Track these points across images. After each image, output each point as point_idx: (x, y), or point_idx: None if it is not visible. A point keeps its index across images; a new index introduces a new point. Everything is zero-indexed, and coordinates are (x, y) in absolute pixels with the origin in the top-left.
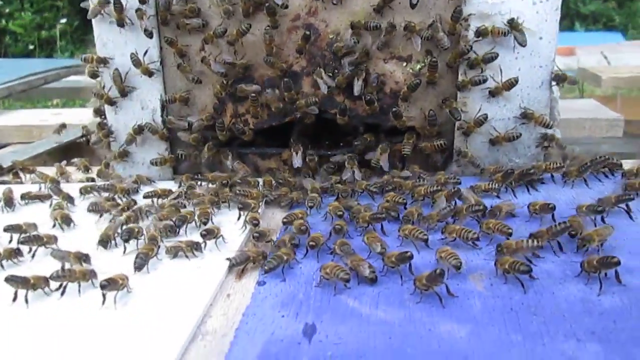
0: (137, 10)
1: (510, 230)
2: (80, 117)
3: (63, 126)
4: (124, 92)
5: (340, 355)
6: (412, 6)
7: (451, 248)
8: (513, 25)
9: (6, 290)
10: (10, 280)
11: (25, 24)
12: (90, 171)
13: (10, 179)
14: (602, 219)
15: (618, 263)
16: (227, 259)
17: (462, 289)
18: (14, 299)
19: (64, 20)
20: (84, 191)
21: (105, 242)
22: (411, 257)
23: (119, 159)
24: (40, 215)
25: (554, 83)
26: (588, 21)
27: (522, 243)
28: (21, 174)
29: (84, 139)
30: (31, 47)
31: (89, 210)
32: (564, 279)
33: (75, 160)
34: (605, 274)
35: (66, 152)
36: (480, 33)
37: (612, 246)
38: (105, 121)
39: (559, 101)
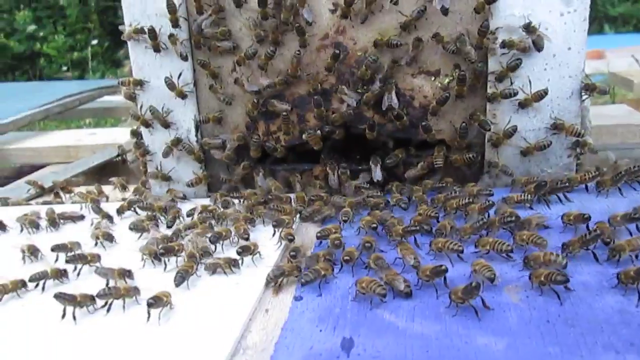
0: (170, 36)
1: (545, 242)
2: (114, 136)
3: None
4: (167, 124)
5: None
6: (445, 12)
7: (485, 260)
8: (530, 29)
9: (55, 308)
10: (59, 297)
11: (59, 46)
12: (127, 189)
13: (51, 199)
14: (637, 228)
15: None
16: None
17: (498, 301)
18: (63, 316)
19: (95, 42)
20: (123, 210)
21: (155, 256)
22: (446, 270)
23: (160, 179)
24: (82, 234)
25: (584, 93)
26: (617, 23)
27: (549, 256)
28: (62, 194)
29: (119, 158)
30: (64, 68)
31: (130, 229)
32: (601, 290)
33: (112, 179)
34: None
35: (102, 171)
36: (506, 45)
37: None
38: (141, 141)
39: (590, 110)
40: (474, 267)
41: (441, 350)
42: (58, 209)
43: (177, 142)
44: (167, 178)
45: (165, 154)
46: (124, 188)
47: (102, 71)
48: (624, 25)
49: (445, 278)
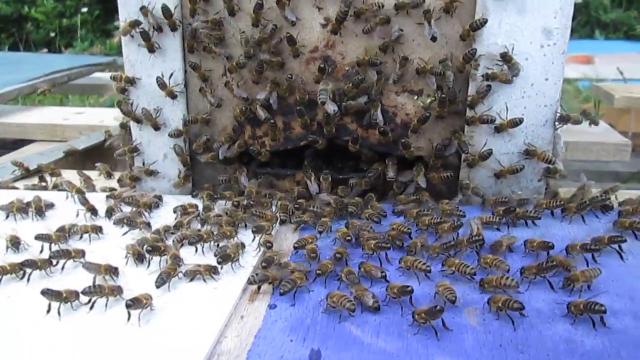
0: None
1: (506, 267)
2: (101, 116)
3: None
4: (157, 127)
5: None
6: (433, 40)
7: (449, 282)
8: (506, 58)
9: (40, 301)
10: (46, 293)
11: (47, 11)
12: (112, 177)
13: (36, 183)
14: (594, 258)
15: (604, 311)
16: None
17: (457, 322)
18: (48, 311)
19: (85, 9)
20: (110, 210)
21: (138, 256)
22: (412, 291)
23: (147, 175)
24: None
25: (557, 123)
26: (608, 29)
27: (502, 280)
28: (47, 178)
29: (106, 143)
30: (52, 34)
31: (116, 224)
32: (552, 318)
33: (98, 164)
34: (590, 317)
35: (88, 154)
36: (489, 77)
37: (600, 287)
38: (129, 136)
39: (562, 137)
40: (438, 288)
41: None
42: (48, 195)
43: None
44: (151, 173)
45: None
46: (109, 175)
47: (91, 40)
48: (614, 32)
49: (411, 297)
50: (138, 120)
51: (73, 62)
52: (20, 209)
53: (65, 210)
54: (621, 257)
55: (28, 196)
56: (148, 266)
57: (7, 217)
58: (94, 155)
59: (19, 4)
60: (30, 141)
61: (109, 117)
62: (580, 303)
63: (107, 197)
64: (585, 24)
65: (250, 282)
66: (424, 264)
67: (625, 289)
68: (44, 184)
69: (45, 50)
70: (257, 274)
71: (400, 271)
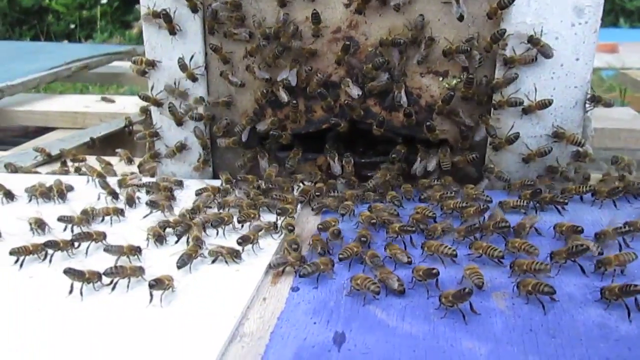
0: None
1: (536, 251)
2: (122, 104)
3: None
4: (180, 123)
5: None
6: (460, 19)
7: (477, 265)
8: (534, 41)
9: (63, 281)
10: (69, 272)
11: (68, 3)
12: (132, 162)
13: (58, 168)
14: (626, 243)
15: (639, 290)
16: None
17: (485, 306)
18: (70, 291)
19: (104, 1)
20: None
21: (158, 238)
22: (438, 273)
23: (173, 155)
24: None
25: (588, 104)
26: (633, 17)
27: (534, 265)
28: (68, 163)
29: (126, 129)
30: (72, 26)
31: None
32: (585, 303)
33: (118, 150)
34: (625, 302)
35: (108, 141)
36: (507, 61)
37: (635, 272)
38: (150, 121)
39: (592, 120)
40: (465, 272)
41: (427, 351)
42: (71, 180)
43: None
44: (181, 148)
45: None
46: (129, 161)
47: (110, 31)
48: (639, 20)
49: (437, 280)
50: (159, 104)
51: (93, 51)
52: (42, 192)
53: (86, 194)
54: None
55: (50, 180)
56: (175, 242)
57: (30, 200)
58: (114, 142)
59: None
60: (51, 129)
61: (130, 105)
62: (615, 287)
63: (118, 182)
64: (610, 11)
65: (271, 267)
66: (449, 248)
67: None
68: (65, 169)
69: (66, 41)
70: (277, 259)
71: (424, 256)
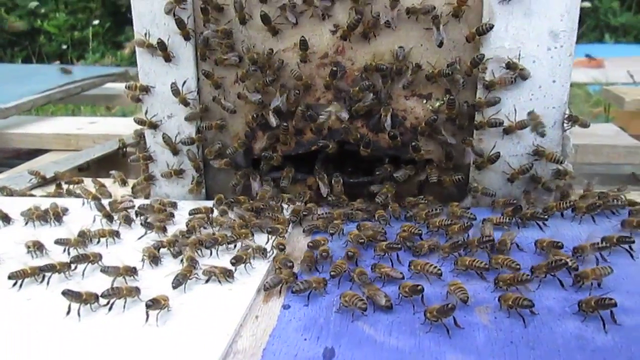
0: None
1: (518, 266)
2: (114, 126)
3: None
4: (176, 151)
5: None
6: (440, 46)
7: (460, 282)
8: (512, 66)
9: (60, 303)
10: (66, 294)
11: (60, 24)
12: (126, 184)
13: (53, 191)
14: (602, 257)
15: (614, 305)
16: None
17: (468, 321)
18: (68, 312)
19: (96, 22)
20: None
21: (153, 259)
22: (423, 290)
23: (170, 176)
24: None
25: (566, 124)
26: (618, 33)
27: (518, 276)
28: (63, 186)
29: (120, 151)
30: (64, 47)
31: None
32: (563, 316)
33: (112, 172)
34: (600, 315)
35: (102, 163)
36: (487, 86)
37: (611, 285)
38: (144, 144)
39: (571, 138)
40: (450, 288)
41: None
42: (65, 202)
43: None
44: (179, 172)
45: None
46: (123, 183)
47: (102, 52)
48: (624, 36)
49: (422, 296)
50: (155, 127)
51: (85, 73)
52: (39, 215)
53: (81, 216)
54: (631, 256)
55: (45, 203)
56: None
57: (27, 223)
58: (107, 163)
59: (31, 17)
60: (45, 151)
61: (122, 126)
62: (591, 300)
63: (109, 203)
64: (595, 27)
65: (266, 288)
66: (434, 267)
67: (636, 287)
68: (60, 191)
69: (58, 62)
70: (271, 279)
71: (411, 274)
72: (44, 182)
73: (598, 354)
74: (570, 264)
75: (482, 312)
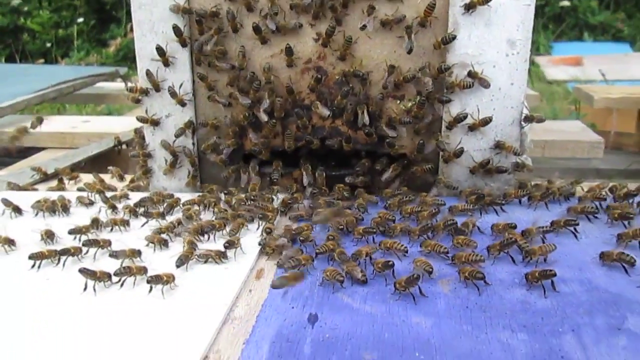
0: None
1: (475, 244)
2: (107, 124)
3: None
4: (175, 155)
5: (334, 337)
6: (409, 53)
7: (426, 258)
8: (473, 74)
9: (76, 282)
10: (83, 272)
11: (43, 22)
12: (124, 179)
13: (55, 186)
14: (544, 237)
15: (554, 275)
16: (277, 263)
17: (432, 290)
18: (85, 289)
19: (80, 20)
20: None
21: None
22: (393, 265)
23: (169, 171)
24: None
25: (523, 122)
26: (597, 32)
27: (471, 256)
28: (65, 181)
29: (116, 148)
30: (48, 45)
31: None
32: (512, 285)
33: (110, 168)
34: (542, 284)
35: (97, 160)
36: (447, 87)
37: (554, 259)
38: (143, 141)
39: (528, 135)
40: (416, 263)
41: (383, 326)
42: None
43: (189, 124)
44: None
45: (178, 135)
46: (121, 178)
47: (87, 50)
48: (602, 34)
49: (393, 271)
50: (156, 124)
51: (77, 72)
52: (48, 207)
53: (85, 208)
54: (575, 237)
55: (52, 196)
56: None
57: (37, 214)
58: (103, 160)
59: (14, 15)
60: (39, 149)
61: (114, 125)
62: (535, 272)
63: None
64: (574, 26)
65: (288, 268)
66: (401, 245)
67: (576, 262)
68: (62, 186)
69: (42, 60)
70: (289, 262)
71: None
72: (45, 177)
73: (537, 314)
74: (519, 242)
75: (444, 283)
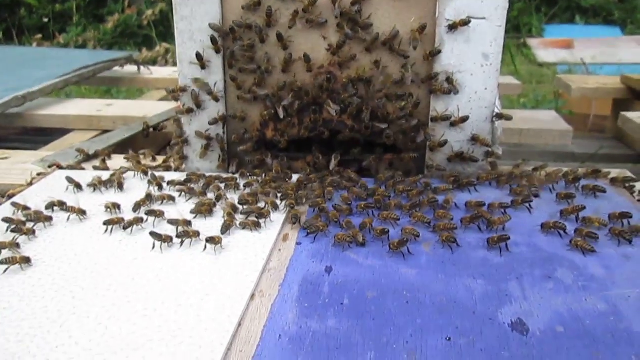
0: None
1: (451, 216)
2: (129, 107)
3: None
4: (210, 138)
5: (345, 281)
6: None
7: (413, 227)
8: (449, 81)
9: (145, 244)
10: (153, 234)
11: None
12: (156, 160)
13: (99, 165)
14: (505, 211)
15: (508, 239)
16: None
17: (417, 250)
18: (153, 247)
19: None
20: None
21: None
22: (388, 232)
23: (204, 155)
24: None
25: (494, 119)
26: (589, 14)
27: (447, 225)
28: (107, 161)
29: (144, 132)
30: (45, 20)
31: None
32: (477, 248)
33: (144, 150)
34: (499, 246)
35: (125, 143)
36: (431, 91)
37: (509, 227)
38: (181, 129)
39: (500, 129)
40: (405, 230)
41: (381, 274)
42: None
43: (222, 117)
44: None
45: (212, 123)
46: (154, 159)
47: (84, 25)
48: (594, 17)
49: (388, 236)
50: (190, 111)
51: (95, 57)
52: (105, 183)
53: (133, 185)
54: (529, 211)
55: (104, 175)
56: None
57: (94, 190)
58: (129, 144)
59: None
60: (66, 131)
61: (135, 108)
62: (495, 237)
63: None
64: (567, 9)
65: (308, 231)
66: (395, 215)
67: (526, 230)
68: (104, 165)
69: (40, 36)
70: (310, 227)
71: (380, 221)
72: (87, 158)
73: (493, 267)
74: (485, 215)
75: (426, 245)
